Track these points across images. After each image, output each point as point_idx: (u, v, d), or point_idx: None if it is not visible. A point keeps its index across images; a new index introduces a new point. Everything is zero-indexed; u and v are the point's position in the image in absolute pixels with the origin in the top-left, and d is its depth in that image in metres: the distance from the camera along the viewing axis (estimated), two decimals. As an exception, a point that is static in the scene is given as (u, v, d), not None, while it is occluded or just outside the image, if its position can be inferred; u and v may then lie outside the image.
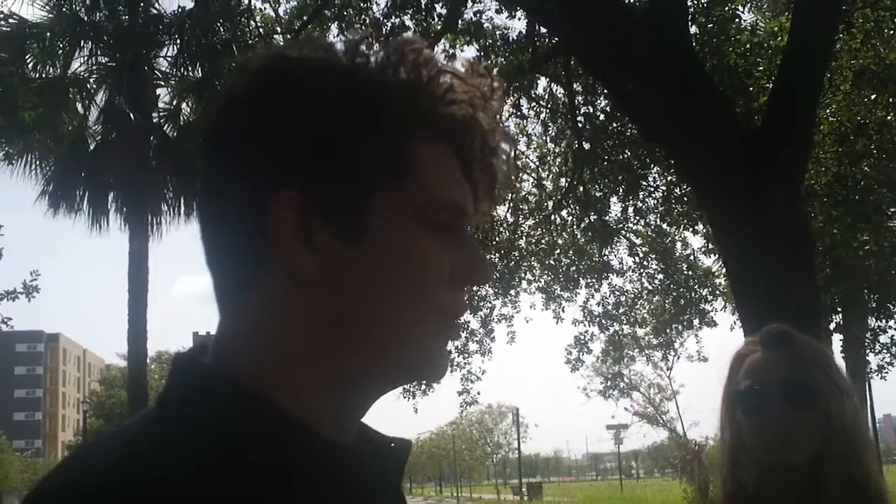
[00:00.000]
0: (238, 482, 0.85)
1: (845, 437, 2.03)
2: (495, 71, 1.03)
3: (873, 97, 13.74)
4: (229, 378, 0.92)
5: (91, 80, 20.77)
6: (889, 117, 13.87)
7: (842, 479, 2.00)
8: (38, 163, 20.24)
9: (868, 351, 21.59)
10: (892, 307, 19.86)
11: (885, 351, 21.35)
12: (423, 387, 18.51)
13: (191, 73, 20.45)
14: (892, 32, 13.18)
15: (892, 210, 17.08)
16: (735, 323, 18.77)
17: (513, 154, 1.07)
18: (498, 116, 1.02)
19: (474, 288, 16.59)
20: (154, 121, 21.19)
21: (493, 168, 1.03)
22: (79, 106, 20.67)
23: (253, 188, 0.94)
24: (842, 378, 2.11)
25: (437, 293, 0.97)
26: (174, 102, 21.52)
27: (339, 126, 0.94)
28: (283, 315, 0.94)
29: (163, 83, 21.49)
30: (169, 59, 21.05)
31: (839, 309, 20.06)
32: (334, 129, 0.94)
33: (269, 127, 0.95)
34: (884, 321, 20.60)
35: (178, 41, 20.30)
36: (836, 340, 20.71)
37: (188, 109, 21.15)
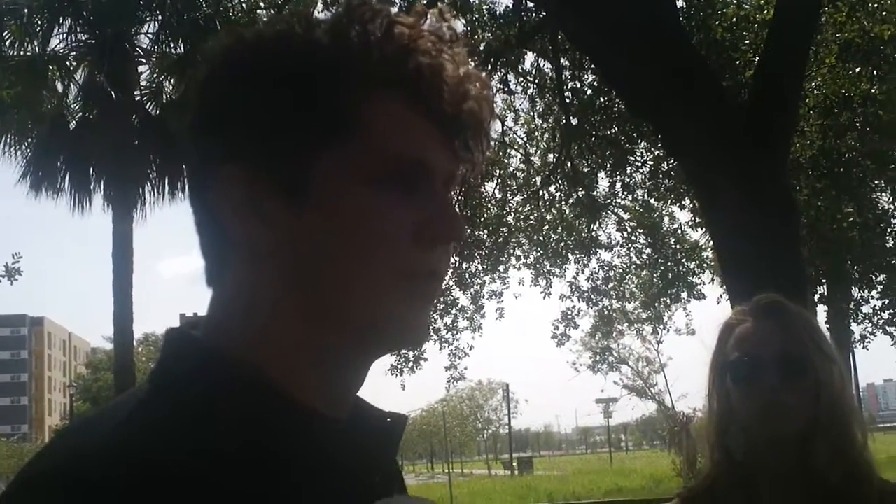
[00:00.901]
0: (235, 461, 0.84)
1: (835, 407, 2.04)
2: (482, 46, 0.99)
3: (858, 70, 13.77)
4: (222, 355, 0.92)
5: (71, 58, 20.48)
6: (873, 90, 13.90)
7: (831, 448, 2.00)
8: (17, 143, 20.01)
9: (851, 321, 21.76)
10: (874, 278, 20.00)
11: (867, 321, 21.53)
12: (411, 364, 18.55)
13: (173, 50, 20.22)
14: (876, 6, 13.21)
15: (875, 182, 17.17)
16: (722, 296, 18.86)
17: (488, 93, 1.01)
18: (465, 60, 0.99)
19: (460, 261, 16.70)
20: (136, 99, 20.96)
21: (468, 113, 0.98)
22: (58, 84, 20.34)
23: (204, 169, 0.96)
24: (831, 348, 2.11)
25: (396, 252, 0.94)
26: (156, 80, 21.32)
27: (277, 93, 0.93)
28: (256, 291, 0.95)
29: (144, 60, 21.25)
30: (150, 35, 20.76)
31: (823, 280, 20.17)
32: (273, 97, 0.93)
33: (215, 105, 0.97)
34: (866, 292, 20.77)
35: (160, 17, 20.07)
36: (821, 311, 20.84)
37: (170, 87, 20.93)
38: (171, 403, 0.88)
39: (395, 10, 0.99)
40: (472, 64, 1.00)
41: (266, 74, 0.94)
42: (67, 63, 20.45)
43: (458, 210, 1.02)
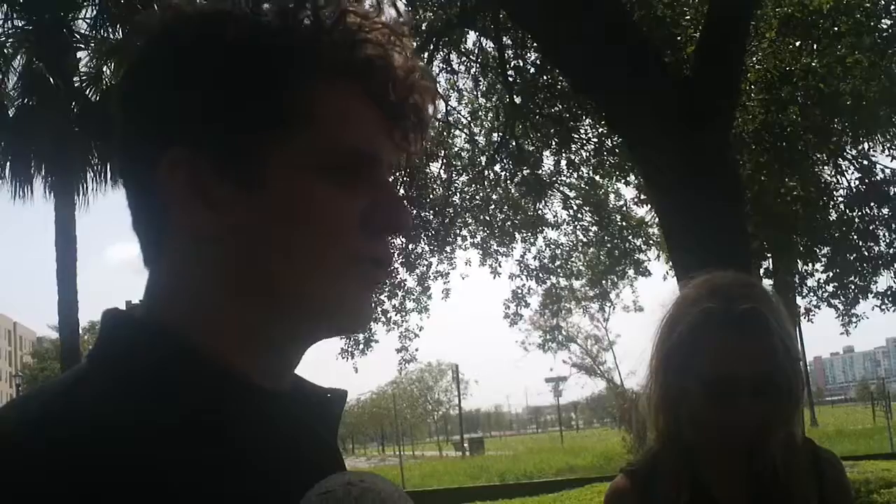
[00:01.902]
0: (172, 433, 0.83)
1: (792, 410, 2.05)
2: (423, 26, 0.98)
3: (798, 44, 13.87)
4: (160, 330, 0.92)
5: (7, 45, 20.19)
6: (814, 63, 14.02)
7: (782, 443, 2.03)
8: (-44, 132, 19.70)
9: (796, 294, 22.02)
10: (818, 251, 20.26)
11: (812, 294, 21.81)
12: (361, 346, 18.51)
13: (111, 35, 19.96)
14: (815, -21, 13.30)
15: (818, 156, 17.35)
16: (669, 272, 19.02)
17: (433, 87, 1.02)
18: (412, 54, 0.99)
19: (407, 243, 16.69)
20: (75, 85, 20.67)
21: (413, 106, 0.99)
22: (-4, 72, 20.10)
23: (147, 150, 0.93)
24: (797, 349, 2.09)
25: (342, 242, 0.94)
26: (95, 66, 21.01)
27: (225, 78, 0.91)
28: (195, 273, 0.94)
29: (83, 46, 20.95)
30: (88, 21, 20.53)
31: (768, 254, 20.39)
32: (220, 81, 0.91)
33: (155, 85, 0.94)
34: (811, 265, 21.03)
35: (97, 2, 19.78)
36: (767, 286, 21.07)
37: (110, 73, 20.67)
38: (108, 377, 0.88)
39: None
40: (418, 57, 1.01)
41: (214, 55, 0.92)
42: (5, 50, 20.11)
43: (404, 200, 1.04)
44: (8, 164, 20.52)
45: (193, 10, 0.96)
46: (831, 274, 21.00)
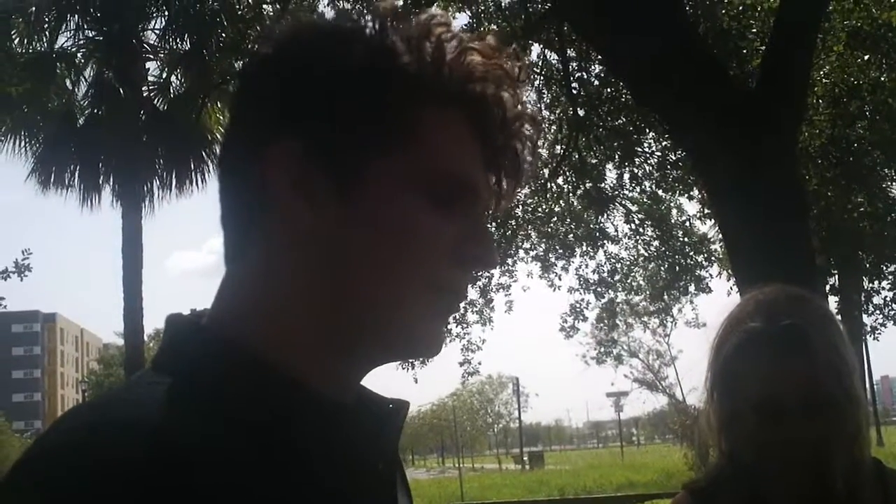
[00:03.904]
0: (233, 445, 0.84)
1: (853, 426, 1.97)
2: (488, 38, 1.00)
3: (866, 58, 13.64)
4: (224, 337, 0.93)
5: (79, 55, 20.58)
6: (882, 78, 13.81)
7: (846, 465, 1.95)
8: (27, 140, 20.09)
9: (862, 312, 21.67)
10: (885, 268, 19.92)
11: (878, 312, 21.42)
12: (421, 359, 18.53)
13: (179, 46, 20.26)
14: (884, -8, 13.08)
15: (886, 171, 17.07)
16: (732, 289, 18.80)
17: (536, 138, 1.04)
18: (524, 99, 1.02)
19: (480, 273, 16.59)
20: (144, 94, 21.02)
21: (514, 150, 1.02)
22: (67, 81, 20.45)
23: (256, 141, 0.95)
24: (852, 361, 2.00)
25: (429, 266, 0.95)
26: (163, 75, 21.36)
27: (345, 87, 0.94)
28: (281, 270, 0.95)
29: (151, 56, 21.30)
30: (157, 31, 20.82)
31: (834, 271, 20.10)
32: (340, 89, 0.94)
33: (276, 84, 0.97)
34: (877, 282, 20.68)
35: (167, 13, 20.09)
36: (832, 302, 20.77)
37: (177, 82, 21.00)
38: (179, 389, 0.88)
39: (470, 35, 1.02)
40: (530, 107, 1.04)
41: (341, 63, 0.95)
42: (76, 60, 20.53)
43: (493, 237, 1.04)
44: (77, 171, 20.88)
45: (325, 24, 1.02)
46: (898, 291, 20.64)
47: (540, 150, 1.08)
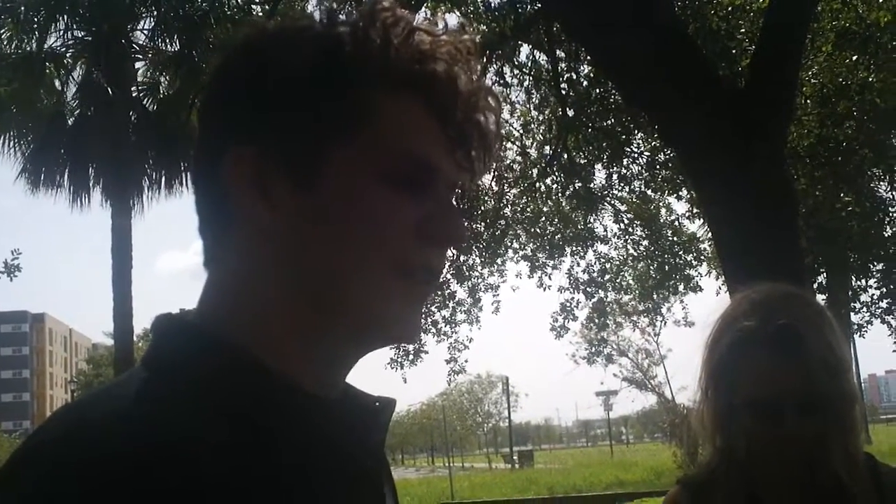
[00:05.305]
0: (224, 439, 0.85)
1: (845, 423, 2.00)
2: (478, 38, 1.01)
3: (855, 58, 13.68)
4: (210, 334, 0.94)
5: (67, 55, 20.55)
6: (870, 78, 13.83)
7: (839, 460, 1.98)
8: (16, 140, 20.04)
9: (849, 311, 21.73)
10: (872, 267, 20.00)
11: (864, 310, 21.49)
12: (411, 357, 18.54)
13: (168, 46, 20.24)
14: (872, -8, 13.13)
15: (874, 171, 17.13)
16: (721, 288, 18.85)
17: (498, 110, 1.05)
18: (478, 73, 1.02)
19: (458, 254, 16.69)
20: (133, 95, 20.98)
21: (477, 125, 1.01)
22: (56, 81, 20.44)
23: (216, 148, 0.98)
24: (847, 359, 2.03)
25: (393, 247, 0.96)
26: (152, 76, 21.31)
27: (293, 82, 0.96)
28: (252, 270, 0.97)
29: (140, 57, 21.26)
30: (146, 31, 20.82)
31: (822, 270, 20.16)
32: (289, 85, 0.96)
33: (229, 89, 1.00)
34: (864, 281, 20.76)
35: (155, 13, 20.06)
36: (820, 301, 20.80)
37: (166, 82, 20.96)
38: (167, 384, 0.89)
39: (418, 17, 1.03)
40: (484, 77, 1.05)
41: (287, 63, 0.97)
42: (65, 60, 20.47)
43: (460, 212, 1.05)
44: (66, 172, 20.82)
45: (273, 26, 1.04)
46: (885, 290, 20.72)
47: (500, 120, 1.06)
